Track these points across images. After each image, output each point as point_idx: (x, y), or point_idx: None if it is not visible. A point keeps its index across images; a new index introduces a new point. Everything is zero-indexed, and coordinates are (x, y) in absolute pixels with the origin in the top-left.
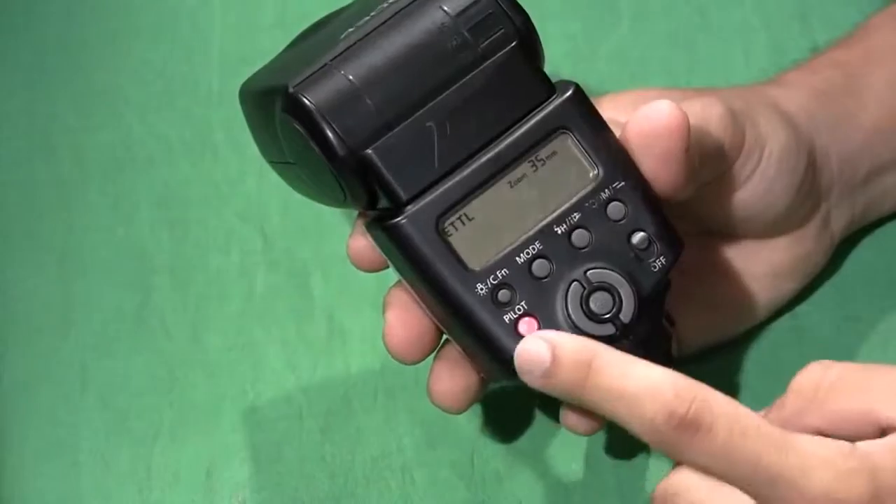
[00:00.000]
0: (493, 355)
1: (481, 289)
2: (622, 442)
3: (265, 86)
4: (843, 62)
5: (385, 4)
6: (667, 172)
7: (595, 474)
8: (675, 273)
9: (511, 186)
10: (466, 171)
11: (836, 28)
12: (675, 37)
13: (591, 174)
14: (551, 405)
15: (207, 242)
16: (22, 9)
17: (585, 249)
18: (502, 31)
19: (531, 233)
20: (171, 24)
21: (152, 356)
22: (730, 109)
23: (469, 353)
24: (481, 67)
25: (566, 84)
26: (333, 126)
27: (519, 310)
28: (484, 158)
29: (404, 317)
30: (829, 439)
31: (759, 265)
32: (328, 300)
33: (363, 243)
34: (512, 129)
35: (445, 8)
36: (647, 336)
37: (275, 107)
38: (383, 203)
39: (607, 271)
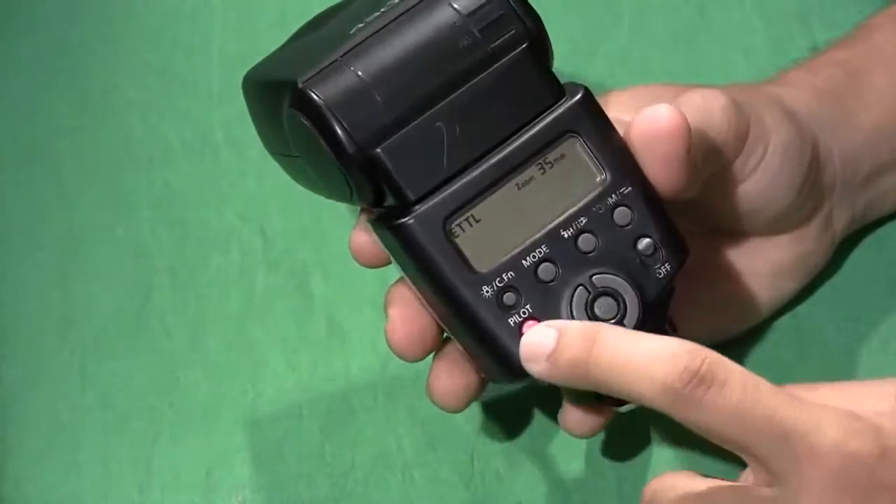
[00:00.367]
0: (496, 358)
1: (487, 291)
2: (622, 442)
3: (272, 78)
4: (845, 62)
5: (395, 0)
6: (668, 175)
7: (595, 474)
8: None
9: (519, 189)
10: (475, 173)
11: (836, 28)
12: (675, 37)
13: (598, 179)
14: (551, 405)
15: (207, 242)
16: (23, 10)
17: (591, 254)
18: (513, 31)
19: (538, 236)
20: (171, 24)
21: (152, 356)
22: (733, 101)
23: (471, 354)
24: (492, 68)
25: (575, 87)
26: (343, 123)
27: (524, 313)
28: (492, 160)
29: (407, 314)
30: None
31: (761, 264)
32: (328, 300)
33: (365, 238)
34: (521, 132)
35: (457, 7)
36: None
37: (281, 100)
38: (390, 201)
39: (612, 276)
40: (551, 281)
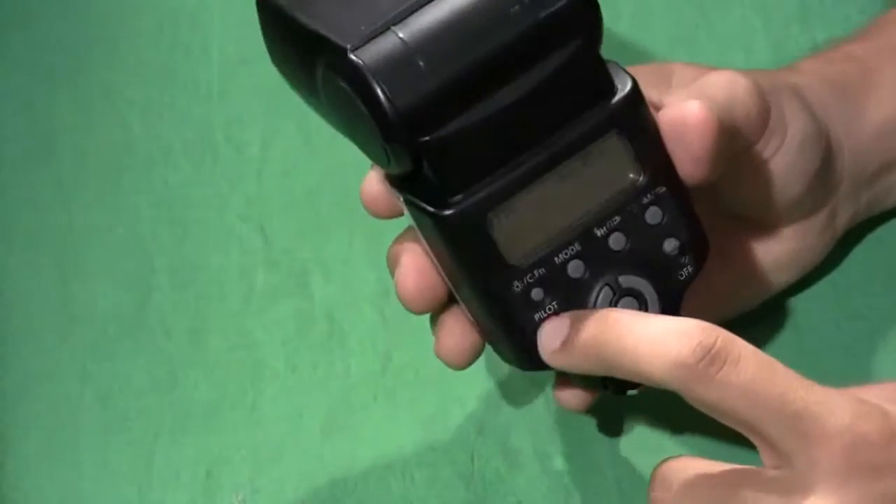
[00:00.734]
0: (517, 349)
1: (517, 286)
2: (622, 441)
3: (310, 23)
4: (858, 56)
5: None
6: (695, 167)
7: (595, 474)
8: None
9: (558, 184)
10: (518, 166)
11: (836, 28)
12: (675, 36)
13: (636, 178)
14: (551, 405)
15: (207, 242)
16: (22, 9)
17: (620, 254)
18: (574, 21)
19: (572, 233)
20: (171, 24)
21: (152, 356)
22: (757, 83)
23: (490, 339)
24: (546, 59)
25: (622, 75)
26: (395, 105)
27: (549, 309)
28: (537, 155)
29: (419, 264)
30: None
31: (761, 253)
32: (328, 300)
33: (378, 189)
34: (568, 125)
35: None
36: None
37: (321, 54)
38: (427, 175)
39: (638, 278)
40: (579, 278)
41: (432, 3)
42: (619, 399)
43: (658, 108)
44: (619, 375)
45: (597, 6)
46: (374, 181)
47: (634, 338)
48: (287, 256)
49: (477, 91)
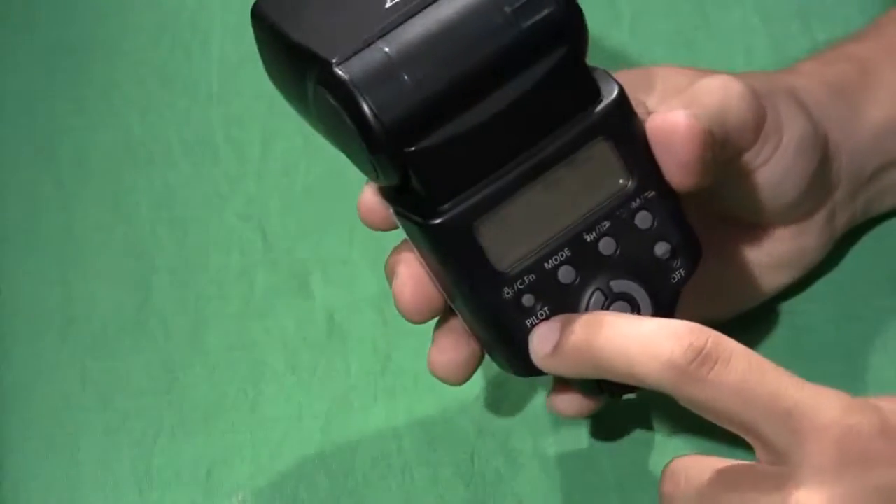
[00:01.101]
0: (510, 356)
1: (507, 293)
2: (622, 441)
3: (299, 39)
4: (857, 57)
5: None
6: (683, 176)
7: (595, 474)
8: None
9: (545, 190)
10: (505, 173)
11: (836, 28)
12: (675, 36)
13: (624, 183)
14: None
15: (207, 242)
16: (21, 9)
17: (611, 258)
18: (558, 30)
19: (561, 239)
20: (170, 24)
21: (152, 356)
22: (751, 88)
23: (484, 346)
24: (531, 67)
25: (609, 81)
26: (379, 117)
27: (541, 315)
28: (524, 161)
29: (416, 274)
30: None
31: (759, 253)
32: (328, 300)
33: (374, 201)
34: (554, 133)
35: None
36: None
37: (310, 69)
38: (415, 187)
39: (629, 282)
40: (570, 284)
41: (417, 17)
42: (615, 402)
43: (643, 114)
44: (611, 378)
45: (580, 15)
46: (369, 194)
47: (625, 340)
48: (287, 256)
49: (461, 101)
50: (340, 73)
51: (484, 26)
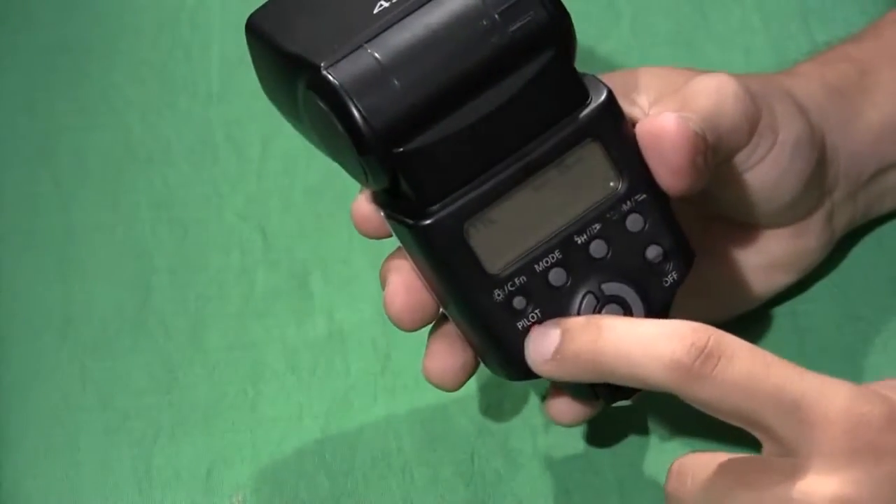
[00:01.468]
0: (502, 359)
1: (498, 295)
2: (622, 442)
3: (289, 47)
4: (856, 58)
5: None
6: (675, 180)
7: (595, 474)
8: None
9: (536, 192)
10: (495, 175)
11: (836, 28)
12: (675, 37)
13: (615, 185)
14: None
15: (207, 242)
16: (21, 9)
17: (602, 261)
18: (545, 33)
19: (552, 241)
20: (170, 24)
21: (152, 356)
22: (746, 88)
23: (477, 350)
24: (519, 69)
25: (597, 86)
26: (367, 119)
27: (532, 317)
28: (513, 163)
29: (408, 282)
30: None
31: (757, 255)
32: (328, 300)
33: (368, 208)
34: (543, 135)
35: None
36: None
37: (300, 75)
38: (405, 190)
39: (621, 285)
40: (561, 286)
41: (404, 21)
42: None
43: (639, 115)
44: (614, 382)
45: (567, 17)
46: (363, 202)
47: (627, 342)
48: (287, 256)
49: (449, 103)
50: (328, 76)
51: (471, 29)
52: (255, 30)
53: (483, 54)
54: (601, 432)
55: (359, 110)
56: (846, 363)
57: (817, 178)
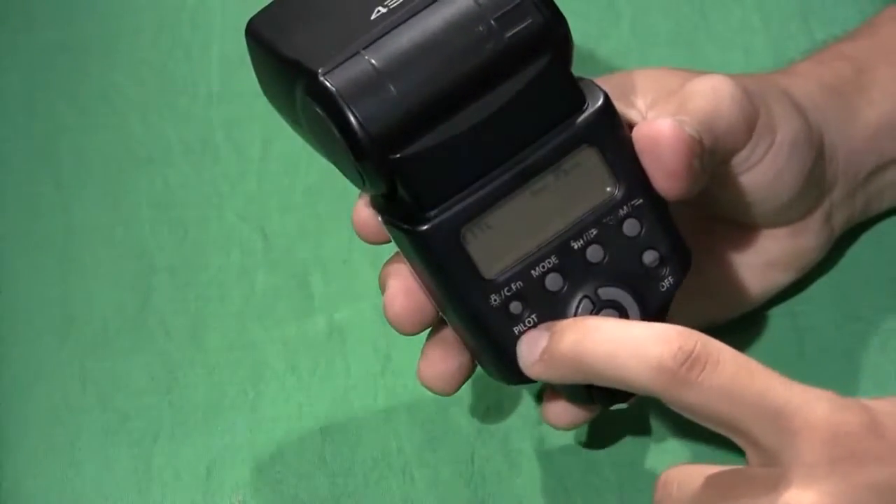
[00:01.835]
0: (498, 363)
1: (495, 300)
2: (622, 442)
3: (287, 52)
4: (853, 56)
5: None
6: (671, 184)
7: (595, 474)
8: None
9: (533, 197)
10: (491, 181)
11: (835, 28)
12: (675, 37)
13: (612, 190)
14: None
15: (207, 242)
16: (21, 9)
17: (598, 266)
18: (541, 39)
19: (548, 246)
20: (171, 24)
21: (152, 356)
22: (743, 89)
23: (473, 353)
24: (516, 75)
25: (595, 91)
26: (363, 124)
27: (529, 322)
28: (510, 168)
29: (407, 286)
30: None
31: (756, 255)
32: (328, 300)
33: (368, 214)
34: (540, 140)
35: (482, 2)
36: None
37: (298, 80)
38: (402, 196)
39: (617, 290)
40: (558, 291)
41: (401, 27)
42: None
43: (636, 117)
44: (600, 383)
45: (564, 23)
46: (362, 207)
47: (614, 344)
48: (287, 256)
49: (446, 109)
50: (325, 82)
51: (468, 35)
52: (255, 34)
53: (479, 60)
54: (601, 433)
55: (355, 116)
56: (846, 363)
57: (815, 178)
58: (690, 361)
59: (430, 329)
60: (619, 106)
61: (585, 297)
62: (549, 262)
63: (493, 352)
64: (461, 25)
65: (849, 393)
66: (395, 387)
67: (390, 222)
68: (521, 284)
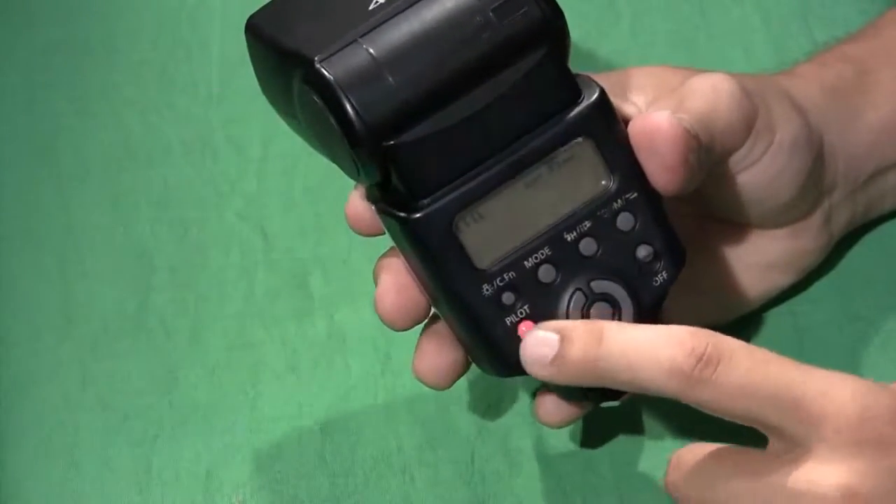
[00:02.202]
0: (490, 355)
1: (487, 290)
2: (622, 442)
3: (285, 44)
4: (855, 58)
5: None
6: (667, 179)
7: (595, 474)
8: None
9: (526, 189)
10: (485, 171)
11: (835, 28)
12: (675, 36)
13: (605, 183)
14: None
15: (207, 242)
16: (21, 9)
17: (592, 259)
18: (535, 26)
19: (541, 238)
20: (171, 24)
21: (152, 356)
22: (742, 87)
23: (464, 345)
24: (512, 66)
25: (590, 85)
26: (358, 111)
27: (521, 313)
28: (504, 159)
29: (399, 281)
30: None
31: (756, 255)
32: (328, 300)
33: (362, 207)
34: (534, 132)
35: None
36: None
37: (295, 70)
38: (396, 185)
39: (610, 283)
40: (551, 283)
41: (398, 16)
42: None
43: (634, 115)
44: (615, 387)
45: (561, 15)
46: (356, 199)
47: (627, 349)
48: (287, 256)
49: (441, 97)
50: (322, 69)
51: (465, 25)
52: (254, 30)
53: (476, 50)
54: (600, 432)
55: (351, 103)
56: (846, 363)
57: (815, 179)
58: (704, 361)
59: (425, 324)
60: (618, 102)
61: (578, 289)
62: (542, 254)
63: (484, 343)
64: (459, 15)
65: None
66: (395, 386)
67: (384, 210)
68: (514, 275)
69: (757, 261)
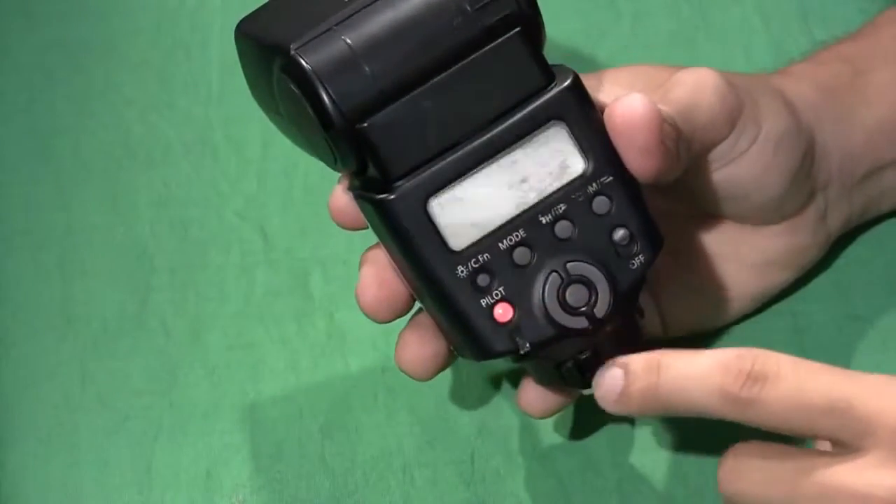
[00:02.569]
0: (467, 337)
1: (462, 271)
2: (622, 441)
3: (266, 39)
4: (851, 58)
5: None
6: (643, 163)
7: (595, 474)
8: (665, 254)
9: (501, 171)
10: (459, 153)
11: (835, 28)
12: (675, 36)
13: (580, 167)
14: None
15: (207, 242)
16: (21, 9)
17: (567, 241)
18: (508, 12)
19: (516, 220)
20: (170, 24)
21: (152, 356)
22: (726, 81)
23: (442, 329)
24: (484, 49)
25: (565, 71)
26: (331, 94)
27: (496, 295)
28: (477, 141)
29: (381, 275)
30: None
31: (750, 253)
32: (328, 300)
33: (345, 201)
34: (508, 114)
35: None
36: (618, 329)
37: (274, 62)
38: (373, 172)
39: (586, 265)
40: (526, 265)
41: (373, 5)
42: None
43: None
44: (678, 415)
45: (534, 4)
46: (339, 193)
47: (684, 380)
48: (287, 256)
49: (413, 79)
50: (297, 56)
51: (438, 11)
52: (241, 33)
53: (450, 35)
54: (601, 432)
55: (324, 87)
56: (846, 363)
57: (804, 175)
58: (751, 381)
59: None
60: (604, 97)
61: (554, 271)
62: (517, 236)
63: (461, 325)
64: (434, 3)
65: None
66: (395, 386)
67: (360, 195)
68: (489, 257)
69: (755, 258)
